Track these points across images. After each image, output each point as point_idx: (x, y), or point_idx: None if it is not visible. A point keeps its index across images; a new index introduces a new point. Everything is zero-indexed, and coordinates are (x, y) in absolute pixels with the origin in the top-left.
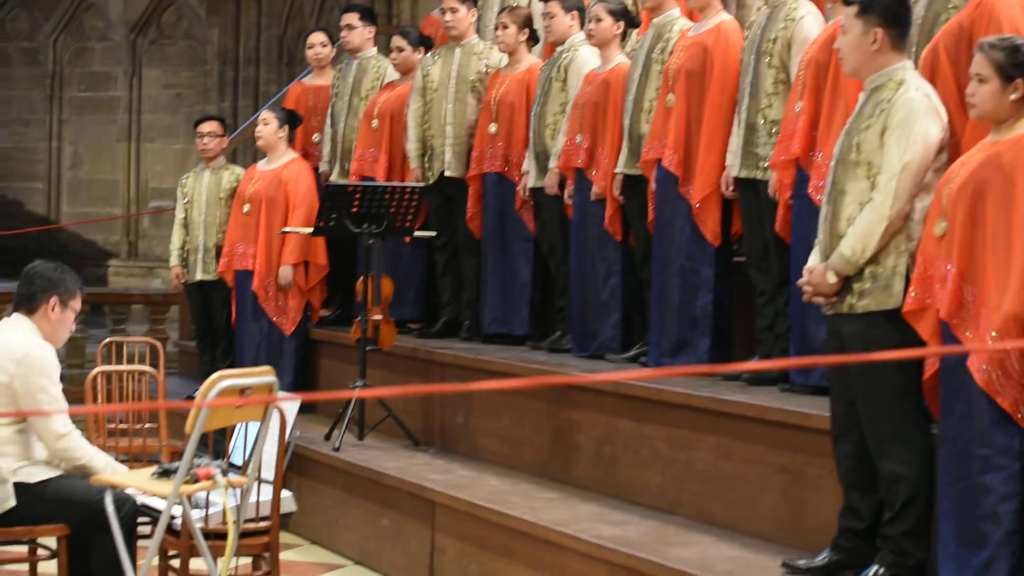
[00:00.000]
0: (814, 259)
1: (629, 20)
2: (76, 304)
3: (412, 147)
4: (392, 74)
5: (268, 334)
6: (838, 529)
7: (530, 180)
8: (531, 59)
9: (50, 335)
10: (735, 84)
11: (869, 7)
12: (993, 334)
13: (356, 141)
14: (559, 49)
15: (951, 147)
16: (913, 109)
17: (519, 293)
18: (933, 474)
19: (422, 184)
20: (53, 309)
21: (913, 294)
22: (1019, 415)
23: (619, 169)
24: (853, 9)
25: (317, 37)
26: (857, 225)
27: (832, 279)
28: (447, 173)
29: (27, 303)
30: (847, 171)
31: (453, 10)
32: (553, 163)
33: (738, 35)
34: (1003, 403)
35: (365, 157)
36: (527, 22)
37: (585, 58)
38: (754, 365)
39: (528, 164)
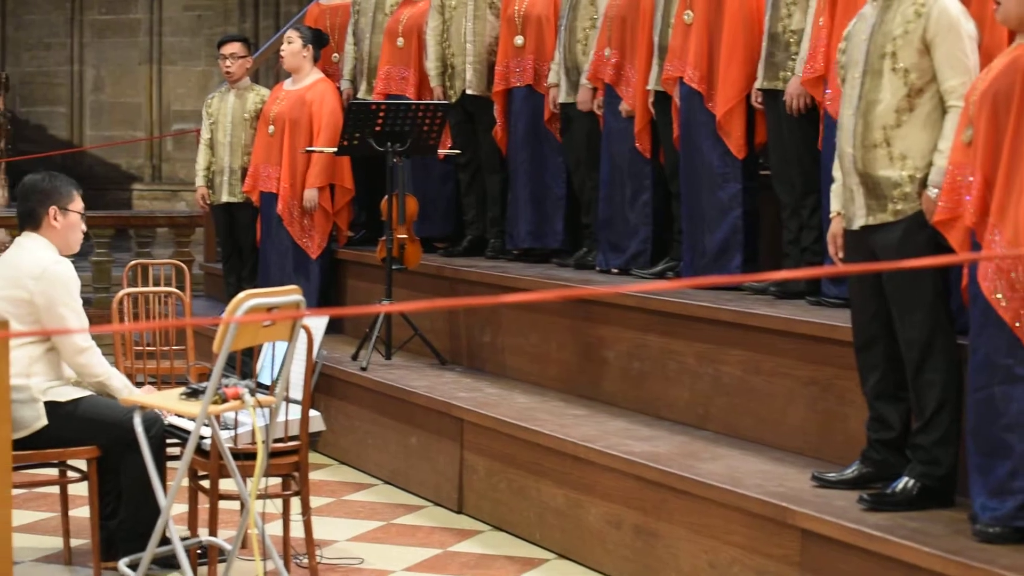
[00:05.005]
0: (836, 226)
1: None
2: (76, 205)
3: (432, 65)
4: None
5: (293, 256)
6: (867, 441)
7: (560, 95)
8: None
9: (63, 243)
10: None
11: None
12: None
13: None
14: None
15: None
16: (953, 14)
17: (553, 206)
18: (961, 382)
19: (446, 102)
20: (55, 219)
21: (943, 203)
22: (1017, 324)
23: (651, 86)
24: None
25: None
26: (947, 138)
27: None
28: (468, 91)
29: (30, 220)
30: (878, 80)
31: None
32: (584, 79)
33: None
34: (1004, 315)
35: (391, 76)
36: None
37: None
38: (781, 275)
39: (555, 77)
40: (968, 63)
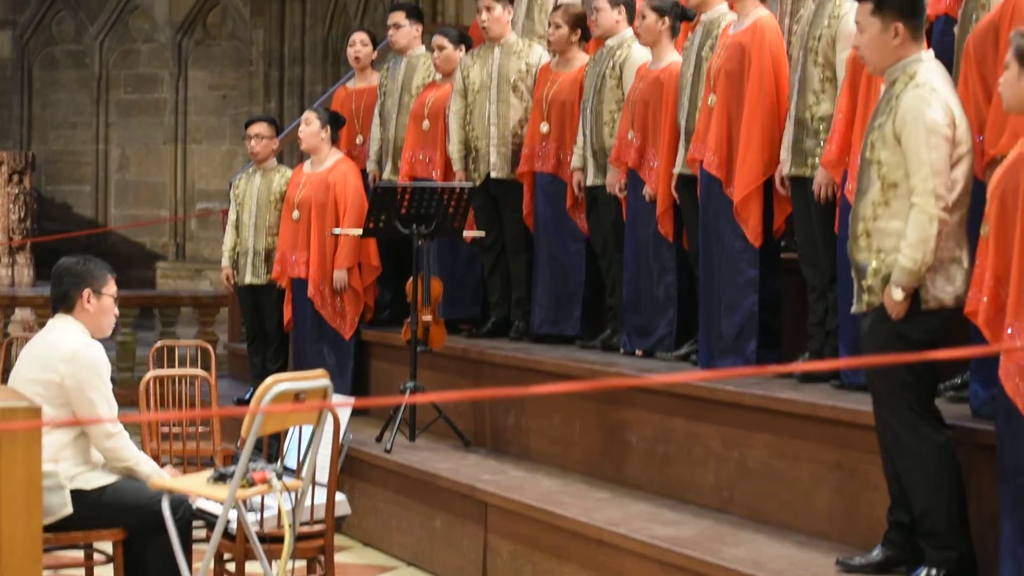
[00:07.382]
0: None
1: (679, 14)
2: (110, 289)
3: (454, 149)
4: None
5: (329, 339)
6: (888, 524)
7: (588, 178)
8: (583, 58)
9: (95, 326)
10: (773, 82)
11: (884, 2)
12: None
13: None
14: (610, 45)
15: (978, 144)
16: (918, 104)
17: (572, 293)
18: (954, 468)
19: (471, 184)
20: (88, 301)
21: (972, 294)
22: None
23: (677, 169)
24: (868, 6)
25: (358, 36)
26: (909, 234)
27: (899, 295)
28: (493, 175)
29: (63, 302)
30: (867, 171)
31: (489, 9)
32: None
33: (775, 32)
34: None
35: (416, 158)
36: (579, 21)
37: (640, 54)
38: (803, 366)
39: (579, 161)
40: (927, 158)
